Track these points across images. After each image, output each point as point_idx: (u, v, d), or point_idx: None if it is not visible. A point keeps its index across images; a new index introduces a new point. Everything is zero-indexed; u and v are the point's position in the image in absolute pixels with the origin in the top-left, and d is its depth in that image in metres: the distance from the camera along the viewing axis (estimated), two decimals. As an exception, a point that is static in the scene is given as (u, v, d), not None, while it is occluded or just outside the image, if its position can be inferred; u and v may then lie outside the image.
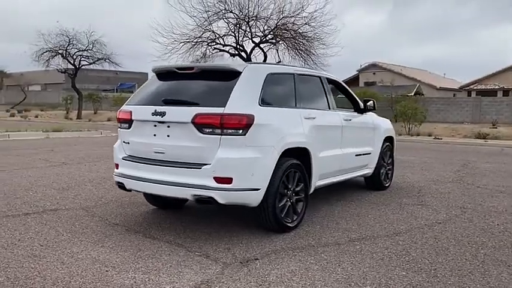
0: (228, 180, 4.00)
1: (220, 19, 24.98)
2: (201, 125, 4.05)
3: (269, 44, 26.56)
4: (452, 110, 28.45)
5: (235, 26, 25.03)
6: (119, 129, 4.82)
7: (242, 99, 4.18)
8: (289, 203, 4.60)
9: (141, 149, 4.53)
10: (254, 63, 4.79)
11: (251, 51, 26.20)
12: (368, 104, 6.28)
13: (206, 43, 25.75)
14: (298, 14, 24.44)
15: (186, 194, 4.10)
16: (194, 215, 5.25)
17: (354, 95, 6.35)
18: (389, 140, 7.11)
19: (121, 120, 4.69)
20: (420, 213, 5.52)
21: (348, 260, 3.84)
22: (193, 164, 4.12)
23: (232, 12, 24.59)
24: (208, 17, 24.62)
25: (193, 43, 25.21)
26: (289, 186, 4.58)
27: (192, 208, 5.52)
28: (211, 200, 4.04)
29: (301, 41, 25.49)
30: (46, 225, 4.72)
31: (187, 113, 4.12)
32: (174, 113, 4.22)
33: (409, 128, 21.22)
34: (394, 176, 8.12)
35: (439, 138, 18.47)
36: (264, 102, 4.35)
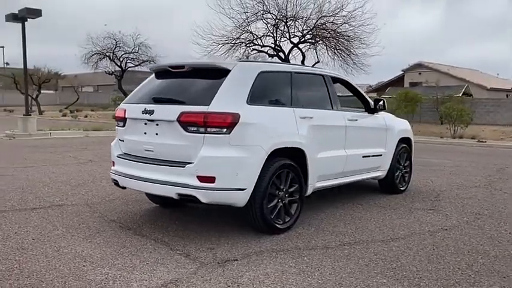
0: (211, 180, 3.96)
1: (259, 20, 24.99)
2: (186, 123, 4.04)
3: (308, 44, 26.28)
4: (503, 111, 26.95)
5: (274, 26, 24.95)
6: (116, 127, 4.90)
7: (228, 97, 4.13)
8: (281, 204, 4.50)
9: (133, 147, 4.58)
10: (245, 61, 4.73)
11: (289, 52, 26.05)
12: (379, 104, 6.04)
13: (244, 44, 25.82)
14: (337, 13, 24.01)
15: (171, 192, 4.10)
16: (192, 214, 5.25)
17: (364, 94, 6.14)
18: (406, 141, 6.81)
19: (117, 118, 4.77)
20: (428, 218, 5.24)
21: (330, 264, 3.70)
22: (178, 163, 4.11)
23: (271, 13, 24.54)
24: (247, 18, 24.70)
25: (231, 44, 25.36)
26: (281, 187, 4.47)
27: (192, 207, 5.52)
28: (194, 198, 4.01)
29: (341, 40, 25.04)
30: (46, 219, 4.87)
31: (173, 111, 4.12)
32: (161, 111, 4.25)
33: (454, 130, 20.32)
34: (417, 179, 7.83)
35: (482, 141, 17.52)
36: (253, 100, 4.28)
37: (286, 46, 26.24)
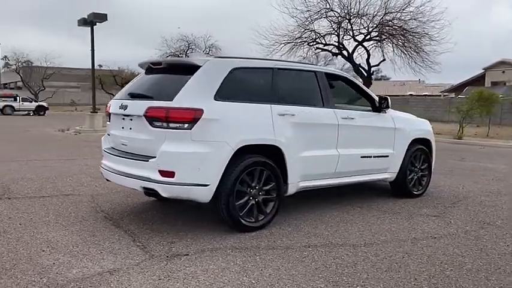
0: (171, 174, 4.02)
1: (322, 18, 24.64)
2: (151, 118, 4.13)
3: (374, 41, 25.40)
4: None
5: (337, 24, 24.45)
6: (107, 122, 5.14)
7: (193, 93, 4.16)
8: (253, 202, 4.43)
9: (115, 141, 4.77)
10: (219, 57, 4.69)
11: (353, 50, 25.37)
12: (383, 102, 5.71)
13: (307, 43, 25.59)
14: (404, 9, 22.96)
15: (137, 185, 4.22)
16: (183, 209, 5.27)
17: (369, 92, 5.83)
18: (422, 142, 6.37)
19: (106, 114, 5.00)
20: (425, 225, 4.87)
21: (278, 265, 3.59)
22: (144, 157, 4.22)
23: (333, 11, 24.09)
24: (310, 16, 24.46)
25: (294, 44, 25.27)
26: (253, 185, 4.41)
27: (189, 203, 5.59)
28: (156, 192, 4.09)
29: (409, 37, 23.89)
30: (45, 207, 5.23)
31: (141, 106, 4.24)
32: (133, 106, 4.38)
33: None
34: (447, 184, 7.38)
35: None
36: (222, 96, 4.26)
37: (350, 44, 25.63)
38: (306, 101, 5.02)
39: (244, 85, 4.56)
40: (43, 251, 3.80)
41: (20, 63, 54.15)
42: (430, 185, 7.13)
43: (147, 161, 4.13)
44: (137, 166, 4.25)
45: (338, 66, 45.67)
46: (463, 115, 19.82)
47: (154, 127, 4.13)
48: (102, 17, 17.29)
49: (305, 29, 25.17)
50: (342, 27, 24.64)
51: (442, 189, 7.03)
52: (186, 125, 4.03)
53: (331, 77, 5.52)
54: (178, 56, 36.96)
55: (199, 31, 62.84)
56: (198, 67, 4.30)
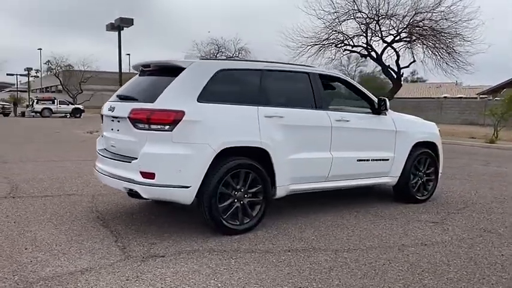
0: (151, 175, 4.04)
1: (349, 19, 24.31)
2: (134, 120, 4.18)
3: (404, 42, 24.82)
4: None
5: (365, 25, 24.06)
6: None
7: (175, 95, 4.17)
8: (238, 205, 4.40)
9: (106, 142, 4.85)
10: (205, 59, 4.70)
11: (382, 52, 24.87)
12: (381, 104, 5.55)
13: (334, 45, 25.30)
14: (434, 9, 22.35)
15: (121, 186, 4.27)
16: (176, 210, 5.28)
17: (368, 93, 5.69)
18: (428, 146, 6.15)
19: (100, 115, 5.09)
20: (419, 231, 4.70)
21: (250, 268, 3.55)
22: (128, 158, 4.26)
23: (361, 12, 23.71)
24: (337, 17, 24.19)
25: (321, 45, 25.04)
26: (237, 187, 4.38)
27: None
28: (137, 193, 4.13)
29: (441, 38, 23.23)
30: (45, 206, 5.37)
31: (126, 108, 4.29)
32: (119, 108, 4.44)
33: None
34: (460, 189, 7.17)
35: None
36: (206, 98, 4.26)
37: (379, 45, 25.15)
38: (297, 103, 4.95)
39: (230, 87, 4.54)
40: (26, 248, 3.90)
41: (59, 68, 56.20)
42: (440, 190, 6.92)
43: (130, 162, 4.17)
44: (121, 167, 4.30)
45: (370, 67, 44.99)
46: (498, 118, 19.06)
47: (137, 129, 4.17)
48: (129, 22, 17.71)
49: (332, 31, 24.90)
50: (370, 28, 24.22)
51: (452, 194, 6.78)
52: (166, 127, 4.04)
53: (326, 78, 5.42)
54: (208, 59, 37.38)
55: (228, 34, 63.37)
56: (183, 69, 4.32)
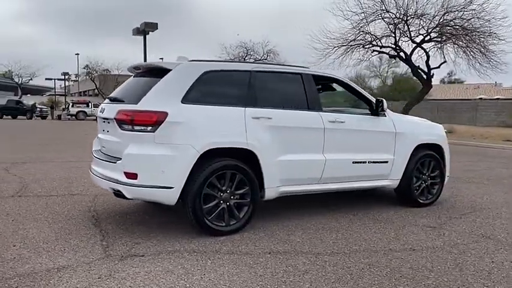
0: (134, 176, 4.10)
1: (377, 19, 23.91)
2: (119, 121, 4.25)
3: (434, 42, 24.18)
4: None
5: (393, 25, 23.60)
6: (99, 125, 5.34)
7: (159, 96, 4.22)
8: (224, 206, 4.39)
9: (100, 144, 4.95)
10: (193, 60, 4.69)
11: (412, 52, 24.33)
12: (379, 105, 5.41)
13: (362, 45, 24.93)
14: (465, 8, 21.67)
15: (107, 186, 4.35)
16: (171, 211, 5.31)
17: (366, 94, 5.56)
18: (432, 148, 5.95)
19: (95, 118, 5.21)
20: (413, 236, 4.55)
21: (223, 271, 3.53)
22: (115, 158, 4.34)
23: (389, 12, 23.28)
24: (365, 17, 23.84)
25: (348, 46, 24.74)
26: (223, 188, 4.38)
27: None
28: (121, 193, 4.19)
29: (474, 37, 22.49)
30: (47, 205, 5.53)
31: (114, 109, 4.37)
32: (108, 109, 4.53)
33: None
34: (468, 193, 6.87)
35: None
36: (191, 100, 4.28)
37: (408, 46, 24.60)
38: (289, 104, 4.90)
39: (217, 88, 4.54)
40: (14, 245, 4.02)
41: (95, 72, 57.90)
42: (450, 193, 6.74)
43: (115, 162, 4.24)
44: (109, 168, 4.38)
45: (403, 68, 43.97)
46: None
47: (122, 130, 4.24)
48: (153, 26, 18.07)
49: (360, 31, 24.55)
50: (399, 28, 23.73)
51: (461, 198, 6.54)
52: (149, 128, 4.09)
53: (321, 79, 5.34)
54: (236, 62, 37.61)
55: (257, 37, 63.44)
56: (169, 71, 4.36)
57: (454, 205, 6.08)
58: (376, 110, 5.43)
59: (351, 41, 24.88)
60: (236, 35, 70.90)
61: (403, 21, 23.51)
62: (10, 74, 55.70)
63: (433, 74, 25.10)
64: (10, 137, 17.82)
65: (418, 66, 24.95)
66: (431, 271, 3.60)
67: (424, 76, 25.10)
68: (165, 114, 4.10)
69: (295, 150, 4.80)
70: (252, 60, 37.40)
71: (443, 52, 23.78)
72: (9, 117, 39.81)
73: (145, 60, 18.99)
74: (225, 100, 4.52)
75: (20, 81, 56.62)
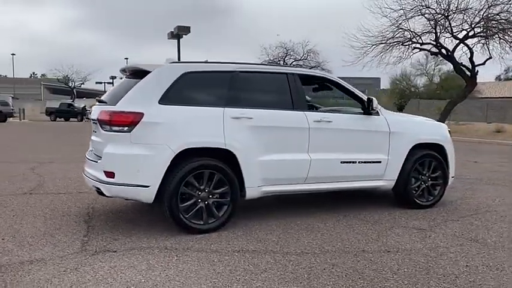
0: (111, 175, 4.26)
1: (416, 16, 23.18)
2: (101, 122, 4.43)
3: (479, 38, 23.10)
4: None
5: (433, 21, 22.79)
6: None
7: (136, 97, 4.36)
8: (202, 205, 4.47)
9: (91, 145, 5.17)
10: (174, 62, 4.78)
11: (454, 49, 23.38)
12: (369, 103, 5.29)
13: (401, 43, 24.24)
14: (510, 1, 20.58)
15: (91, 184, 4.55)
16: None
17: (359, 93, 5.44)
18: (433, 148, 5.75)
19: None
20: (395, 238, 4.44)
21: (184, 267, 3.61)
22: (98, 158, 4.53)
23: (429, 8, 22.50)
24: (403, 14, 23.18)
25: (386, 44, 24.14)
26: (201, 187, 4.46)
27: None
28: (101, 191, 4.37)
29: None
30: (51, 202, 5.83)
31: (97, 111, 4.56)
32: (95, 111, 4.73)
33: None
34: (479, 195, 6.62)
35: None
36: (169, 100, 4.39)
37: (450, 42, 23.66)
38: (272, 104, 4.90)
39: (196, 89, 4.62)
40: (3, 239, 4.29)
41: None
42: (461, 194, 6.57)
43: (97, 162, 4.43)
44: (93, 167, 4.58)
45: (450, 66, 42.30)
46: None
47: (103, 130, 4.42)
48: (186, 30, 18.49)
49: (398, 28, 23.88)
50: (440, 24, 22.87)
51: (470, 200, 6.28)
52: (125, 128, 4.24)
53: (309, 79, 5.31)
54: (277, 63, 37.62)
55: (297, 38, 63.02)
56: (148, 72, 4.49)
57: (457, 207, 5.84)
58: (367, 109, 5.31)
59: (389, 38, 24.28)
60: (276, 35, 70.87)
61: (445, 17, 22.64)
62: (66, 79, 58.57)
63: (477, 71, 24.00)
64: (54, 137, 18.80)
65: (461, 63, 23.96)
66: (395, 274, 3.50)
67: (468, 73, 24.08)
68: (141, 114, 4.23)
69: (278, 150, 4.80)
70: (291, 60, 37.37)
71: (488, 48, 22.68)
72: (62, 119, 41.89)
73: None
74: (204, 100, 4.60)
75: (73, 85, 59.42)
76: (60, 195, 6.29)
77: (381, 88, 70.72)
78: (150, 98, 4.36)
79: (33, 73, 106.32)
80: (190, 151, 4.38)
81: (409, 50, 25.29)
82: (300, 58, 36.84)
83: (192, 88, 4.59)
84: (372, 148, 5.34)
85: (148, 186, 4.25)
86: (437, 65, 44.40)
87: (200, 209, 4.47)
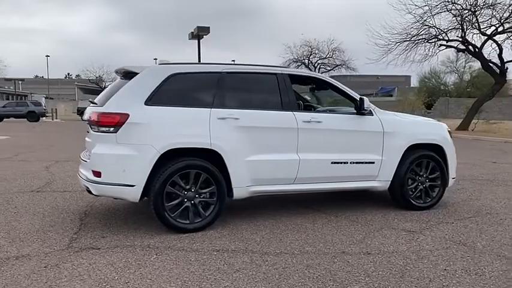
0: (98, 174, 4.38)
1: (442, 12, 22.62)
2: (90, 122, 4.57)
3: (508, 34, 22.36)
4: None
5: (460, 17, 22.19)
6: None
7: (123, 99, 4.46)
8: (189, 204, 4.54)
9: (86, 146, 5.31)
10: (163, 63, 4.85)
11: (482, 45, 22.71)
12: (360, 103, 5.21)
13: (426, 40, 23.72)
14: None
15: (83, 184, 4.68)
16: None
17: (352, 93, 5.38)
18: (431, 148, 5.62)
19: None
20: (380, 240, 4.38)
21: (159, 266, 3.68)
22: (89, 158, 4.65)
23: (455, 3, 21.92)
24: (429, 10, 22.67)
25: (411, 41, 23.68)
26: (187, 187, 4.52)
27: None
28: (89, 190, 4.50)
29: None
30: (54, 200, 6.03)
31: (89, 112, 4.69)
32: (87, 112, 4.86)
33: None
34: (485, 197, 6.45)
35: None
36: (155, 101, 4.47)
37: (479, 38, 22.97)
38: (260, 105, 4.92)
39: (183, 90, 4.67)
40: (-6, 235, 4.48)
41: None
42: (466, 196, 6.37)
43: (87, 161, 4.56)
44: (84, 167, 4.71)
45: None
46: None
47: (93, 131, 4.55)
48: (206, 30, 18.67)
49: (423, 25, 23.38)
50: (467, 20, 22.25)
51: (472, 202, 6.11)
52: (111, 129, 4.35)
53: (299, 79, 5.29)
54: (302, 62, 37.51)
55: (322, 36, 62.41)
56: (136, 74, 4.59)
57: (458, 209, 5.70)
58: (359, 109, 5.25)
59: (413, 35, 23.82)
60: (300, 34, 70.30)
61: (472, 12, 22.02)
62: (98, 79, 60.01)
63: (507, 68, 23.25)
64: (78, 136, 19.31)
65: (490, 60, 23.27)
66: (368, 276, 3.47)
67: (497, 71, 23.34)
68: (127, 115, 4.33)
69: (266, 150, 4.81)
70: (316, 59, 37.15)
71: (518, 43, 21.94)
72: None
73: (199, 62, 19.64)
74: (191, 101, 4.66)
75: (103, 86, 60.86)
76: (65, 193, 6.50)
77: (412, 86, 69.42)
78: (136, 99, 4.45)
79: (68, 74, 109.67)
80: (176, 151, 4.45)
81: (435, 47, 24.77)
82: (324, 56, 36.56)
83: (179, 89, 4.65)
84: (364, 148, 5.27)
85: (134, 186, 4.35)
86: (468, 62, 43.26)
87: (186, 208, 4.53)
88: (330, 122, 5.15)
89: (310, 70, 37.78)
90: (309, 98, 6.59)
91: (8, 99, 57.21)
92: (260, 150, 4.77)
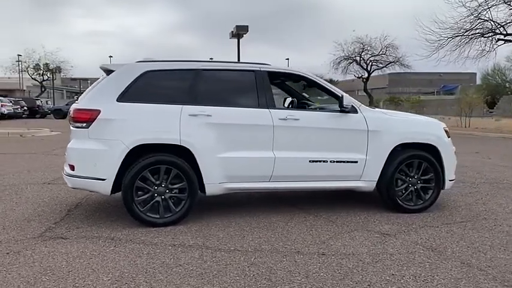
0: (72, 167, 4.59)
1: (499, 4, 21.28)
2: (69, 119, 4.79)
3: None
4: None
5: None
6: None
7: (96, 95, 4.64)
8: (159, 199, 4.63)
9: None
10: (141, 61, 4.92)
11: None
12: (341, 100, 5.04)
13: (481, 35, 22.42)
14: None
15: (64, 177, 4.92)
16: None
17: (334, 90, 5.22)
18: (423, 148, 5.33)
19: None
20: (345, 241, 4.25)
21: (113, 257, 3.79)
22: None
23: (511, -5, 20.54)
24: (485, 1, 21.42)
25: (464, 36, 22.49)
26: (157, 182, 4.62)
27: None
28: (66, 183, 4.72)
29: None
30: (55, 193, 6.36)
31: (71, 109, 4.92)
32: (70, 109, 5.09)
33: None
34: (488, 200, 6.03)
35: None
36: (127, 98, 4.61)
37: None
38: (235, 102, 4.92)
39: (156, 87, 4.77)
40: (-13, 224, 4.82)
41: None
42: (468, 200, 6.01)
43: (65, 155, 4.80)
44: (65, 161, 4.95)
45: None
46: None
47: (71, 127, 4.77)
48: (245, 29, 18.83)
49: (478, 19, 22.10)
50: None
51: (473, 206, 5.76)
52: (84, 124, 4.54)
53: (280, 76, 5.22)
54: (353, 59, 36.65)
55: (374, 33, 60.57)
56: (112, 71, 4.75)
57: (454, 213, 5.39)
58: (340, 106, 5.09)
59: (467, 30, 22.61)
60: (352, 31, 68.51)
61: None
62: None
63: None
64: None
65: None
66: (307, 277, 3.38)
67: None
68: (98, 112, 4.50)
69: (240, 148, 4.80)
70: (368, 56, 36.16)
71: None
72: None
73: (238, 60, 19.84)
74: (163, 98, 4.74)
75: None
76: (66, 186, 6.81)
77: (477, 84, 65.90)
78: (109, 96, 4.61)
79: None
80: (147, 147, 4.56)
81: (493, 42, 23.36)
82: (377, 53, 35.51)
83: (152, 86, 4.76)
84: (346, 147, 5.11)
85: (105, 179, 4.51)
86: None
87: (157, 203, 4.62)
88: (309, 119, 5.04)
89: (362, 67, 36.84)
90: (306, 96, 6.48)
91: (73, 97, 60.79)
92: (233, 147, 4.77)
